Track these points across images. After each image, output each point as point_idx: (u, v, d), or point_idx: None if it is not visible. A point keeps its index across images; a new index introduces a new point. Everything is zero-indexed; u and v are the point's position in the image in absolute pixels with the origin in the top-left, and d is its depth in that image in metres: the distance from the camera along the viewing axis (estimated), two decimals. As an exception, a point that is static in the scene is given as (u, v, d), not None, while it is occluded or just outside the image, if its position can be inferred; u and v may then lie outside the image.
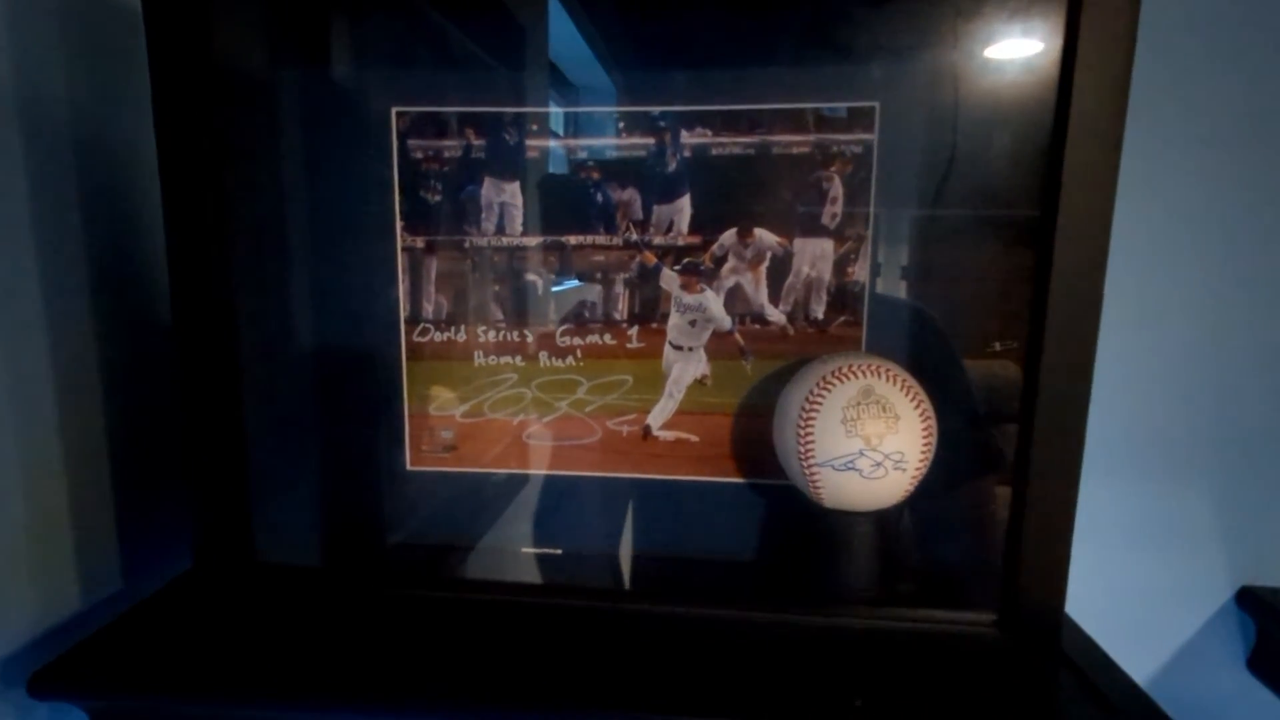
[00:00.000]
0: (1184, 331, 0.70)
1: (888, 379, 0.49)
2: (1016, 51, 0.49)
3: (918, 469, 0.49)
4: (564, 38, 0.57)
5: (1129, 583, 0.72)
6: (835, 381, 0.49)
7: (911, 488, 0.50)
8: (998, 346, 0.53)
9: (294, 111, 0.57)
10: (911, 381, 0.50)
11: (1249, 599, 0.71)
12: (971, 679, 0.48)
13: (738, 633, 0.51)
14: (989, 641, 0.49)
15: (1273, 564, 0.71)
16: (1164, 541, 0.72)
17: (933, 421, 0.50)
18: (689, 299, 0.57)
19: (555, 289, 0.59)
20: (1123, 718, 0.45)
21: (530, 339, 0.59)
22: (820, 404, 0.49)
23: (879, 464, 0.48)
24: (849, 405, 0.49)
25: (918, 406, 0.49)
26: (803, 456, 0.50)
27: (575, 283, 0.58)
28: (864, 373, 0.49)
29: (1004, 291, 0.53)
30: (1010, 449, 0.50)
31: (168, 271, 0.50)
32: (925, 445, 0.49)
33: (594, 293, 0.58)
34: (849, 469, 0.49)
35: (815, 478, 0.50)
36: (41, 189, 0.53)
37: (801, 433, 0.50)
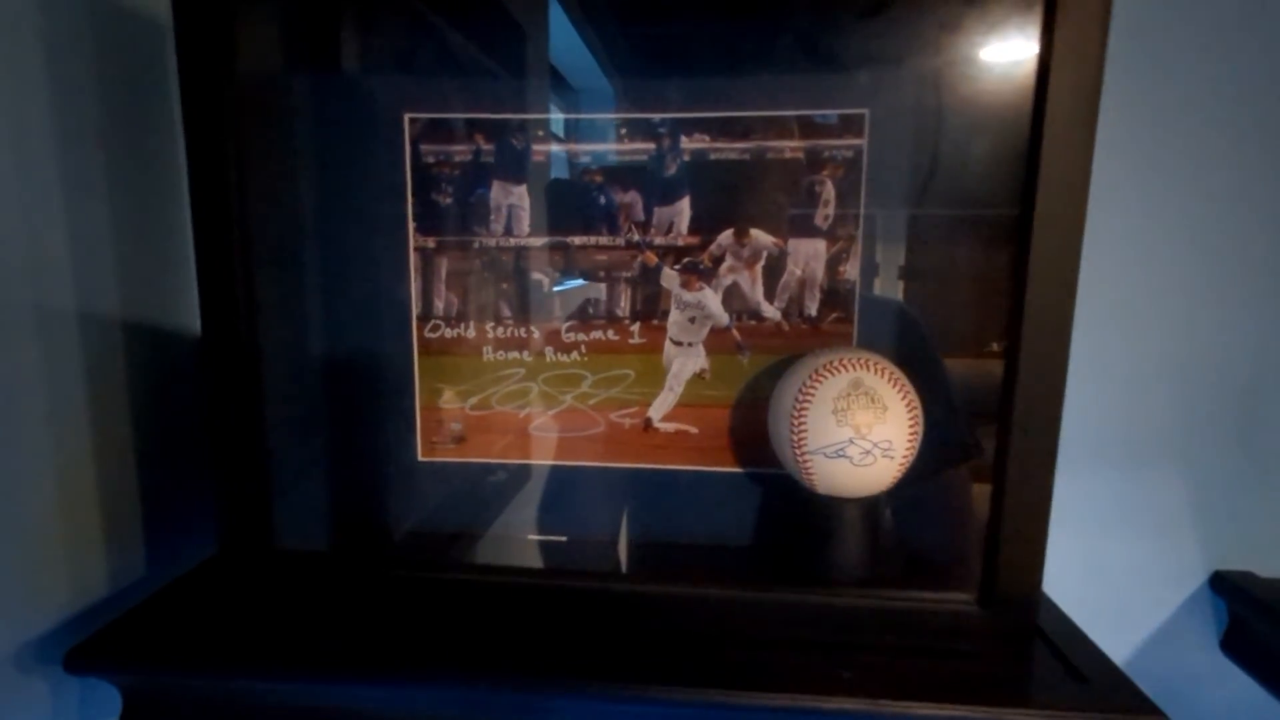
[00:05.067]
0: (1159, 322, 0.72)
1: (876, 372, 0.52)
2: (996, 60, 0.51)
3: (905, 457, 0.52)
4: (567, 48, 0.59)
5: (1106, 567, 0.74)
6: (826, 374, 0.52)
7: (899, 475, 0.53)
8: (995, 346, 0.56)
9: (312, 118, 0.60)
10: (899, 374, 0.53)
11: (1221, 583, 0.74)
12: (953, 653, 0.51)
13: (734, 611, 0.54)
14: (970, 619, 0.52)
15: (1244, 549, 0.74)
16: (1140, 527, 0.74)
17: (919, 412, 0.53)
18: (689, 296, 0.60)
19: (557, 288, 0.61)
20: (1095, 688, 0.48)
21: (536, 335, 0.62)
22: (812, 395, 0.52)
23: (868, 451, 0.51)
24: (839, 396, 0.51)
25: (904, 398, 0.52)
26: (796, 445, 0.53)
27: (580, 281, 0.61)
28: (853, 366, 0.52)
29: (988, 291, 0.56)
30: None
31: (195, 273, 0.53)
32: (912, 434, 0.52)
33: (598, 290, 0.61)
34: (840, 456, 0.51)
35: (808, 465, 0.53)
36: (75, 194, 0.56)
37: (795, 422, 0.52)
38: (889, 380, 0.52)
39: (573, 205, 0.60)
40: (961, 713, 0.46)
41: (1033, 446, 0.49)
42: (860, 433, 0.51)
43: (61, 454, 0.55)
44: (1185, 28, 0.69)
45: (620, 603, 0.55)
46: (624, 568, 0.63)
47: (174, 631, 0.53)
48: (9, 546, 0.51)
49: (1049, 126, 0.46)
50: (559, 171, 0.61)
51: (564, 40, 0.59)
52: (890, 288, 0.59)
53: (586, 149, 0.60)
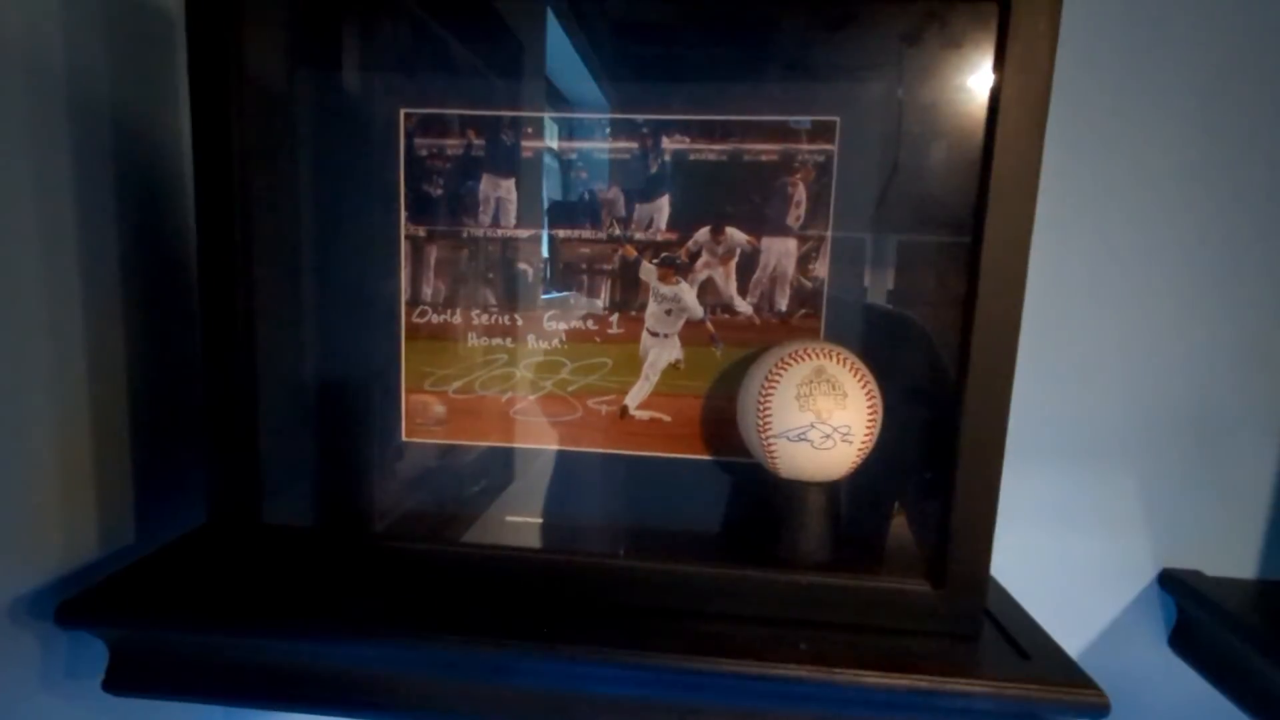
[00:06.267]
0: (1110, 320, 0.75)
1: (838, 361, 0.55)
2: (953, 74, 0.55)
3: (864, 442, 0.55)
4: (559, 54, 0.63)
5: (1057, 564, 0.77)
6: (792, 362, 0.55)
7: (859, 460, 0.56)
8: None
9: (312, 112, 0.63)
10: (860, 364, 0.56)
11: (1170, 580, 0.76)
12: (905, 632, 0.54)
13: (701, 587, 0.56)
14: (922, 599, 0.54)
15: (1193, 547, 0.77)
16: (1090, 524, 0.77)
17: (878, 401, 0.56)
18: (665, 290, 0.62)
19: (545, 295, 0.64)
20: (1036, 664, 0.51)
21: (520, 323, 0.64)
22: (778, 381, 0.55)
23: (828, 435, 0.54)
24: (803, 383, 0.54)
25: (864, 386, 0.55)
26: (761, 429, 0.56)
27: (569, 293, 0.64)
28: (817, 355, 0.55)
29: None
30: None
31: (196, 259, 0.55)
32: (870, 421, 0.55)
33: (595, 306, 0.63)
34: (801, 440, 0.54)
35: (772, 448, 0.56)
36: (83, 186, 0.58)
37: (761, 407, 0.55)
38: (850, 369, 0.55)
39: (558, 200, 0.64)
40: (909, 682, 0.49)
41: (981, 436, 0.52)
42: (821, 417, 0.54)
43: (59, 419, 0.57)
44: (1139, 28, 0.72)
45: (593, 578, 0.57)
46: (598, 547, 0.66)
47: (161, 590, 0.55)
48: (6, 504, 0.53)
49: (1001, 127, 0.49)
50: (547, 168, 0.64)
51: (556, 46, 0.63)
52: (862, 290, 0.62)
53: (573, 146, 0.63)
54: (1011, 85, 0.49)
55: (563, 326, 0.64)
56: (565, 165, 0.64)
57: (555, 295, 0.64)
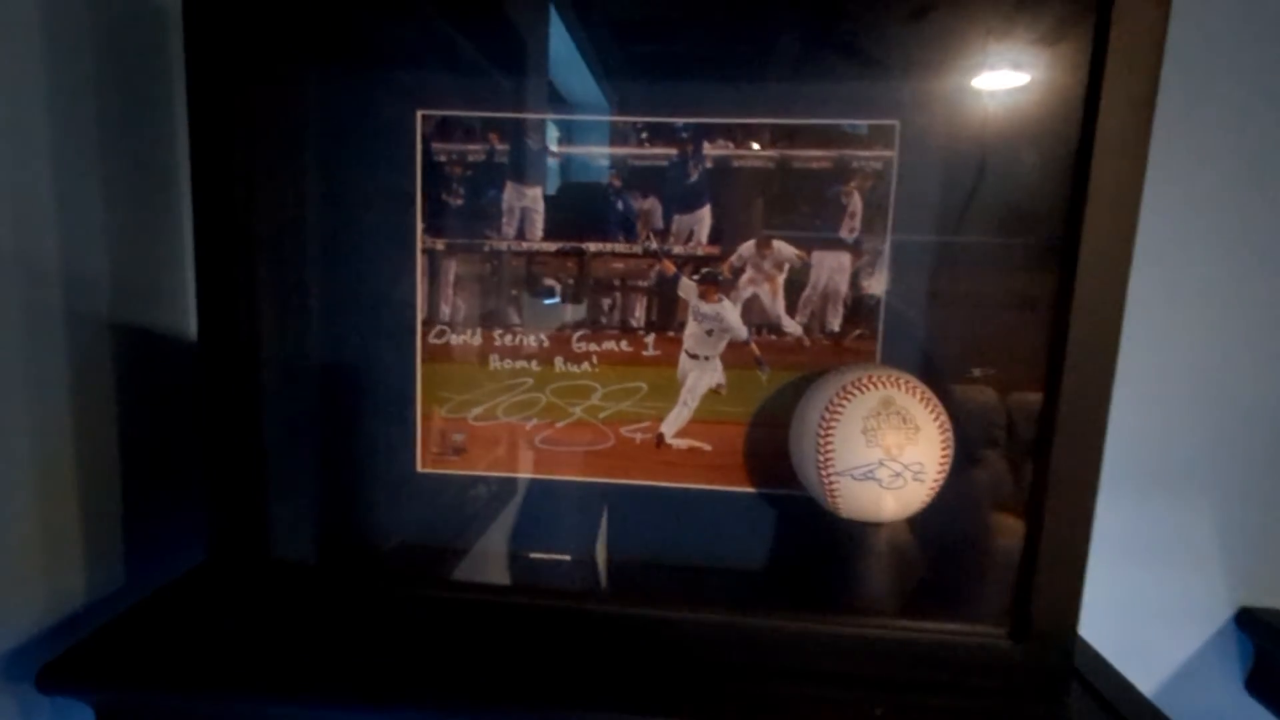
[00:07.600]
0: (1188, 348, 0.71)
1: (907, 390, 0.50)
2: (1042, 73, 0.49)
3: (936, 480, 0.50)
4: (591, 53, 0.57)
5: (1130, 601, 0.73)
6: (855, 391, 0.50)
7: (929, 499, 0.50)
8: (976, 373, 0.54)
9: (321, 114, 0.57)
10: (930, 394, 0.50)
11: (1248, 620, 0.72)
12: (984, 691, 0.49)
13: (755, 640, 0.51)
14: (1002, 654, 0.49)
15: (1272, 585, 0.72)
16: (1165, 561, 0.73)
17: (950, 434, 0.50)
18: (706, 308, 0.57)
19: (547, 301, 0.59)
20: (1136, 732, 0.46)
21: (546, 344, 0.59)
22: (840, 413, 0.50)
23: (898, 474, 0.49)
24: (869, 415, 0.49)
25: (936, 419, 0.50)
26: (821, 465, 0.50)
27: (555, 299, 0.59)
28: (884, 384, 0.50)
29: (1010, 315, 0.54)
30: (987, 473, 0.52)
31: (194, 272, 0.50)
32: (944, 457, 0.50)
33: (579, 312, 0.58)
34: (868, 478, 0.49)
35: (834, 487, 0.50)
36: (69, 186, 0.53)
37: (821, 441, 0.50)
38: (921, 399, 0.50)
39: (589, 210, 0.58)
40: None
41: (1073, 469, 0.47)
42: (890, 454, 0.48)
43: (42, 456, 0.52)
44: (1232, 35, 0.67)
45: (630, 628, 0.52)
46: (633, 590, 0.60)
47: (153, 647, 0.50)
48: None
49: (1099, 144, 0.44)
50: (576, 175, 0.58)
51: (586, 45, 0.57)
52: (916, 306, 0.57)
53: (605, 152, 0.58)
54: (1114, 84, 0.43)
55: (594, 348, 0.58)
56: (596, 172, 0.58)
57: (548, 302, 0.59)
